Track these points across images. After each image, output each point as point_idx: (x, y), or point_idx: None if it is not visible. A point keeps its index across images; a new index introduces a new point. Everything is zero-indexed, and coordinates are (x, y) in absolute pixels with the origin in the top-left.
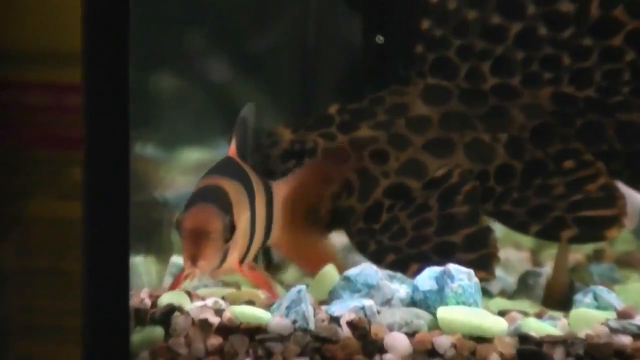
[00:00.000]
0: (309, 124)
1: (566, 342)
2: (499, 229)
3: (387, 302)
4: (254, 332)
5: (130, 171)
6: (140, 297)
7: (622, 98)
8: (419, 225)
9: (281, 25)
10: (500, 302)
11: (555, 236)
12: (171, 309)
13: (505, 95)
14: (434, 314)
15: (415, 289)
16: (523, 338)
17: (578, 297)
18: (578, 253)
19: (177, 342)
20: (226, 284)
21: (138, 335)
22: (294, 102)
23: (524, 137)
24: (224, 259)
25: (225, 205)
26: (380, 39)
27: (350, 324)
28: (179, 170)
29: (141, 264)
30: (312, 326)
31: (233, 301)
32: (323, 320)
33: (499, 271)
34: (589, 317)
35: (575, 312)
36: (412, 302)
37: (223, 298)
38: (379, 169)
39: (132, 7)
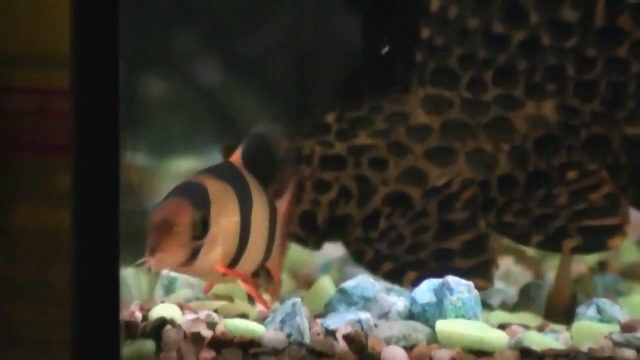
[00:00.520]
0: (305, 132)
1: (568, 356)
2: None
3: (385, 315)
4: (248, 346)
5: (120, 179)
6: (130, 310)
7: (627, 112)
8: (417, 232)
9: (277, 30)
10: (501, 315)
11: (557, 246)
12: (162, 322)
13: (507, 105)
14: (432, 327)
15: (413, 301)
16: (524, 352)
17: (581, 309)
18: (581, 264)
19: (169, 356)
20: (219, 297)
21: (128, 349)
22: (290, 108)
23: (527, 147)
24: (193, 256)
25: (200, 202)
26: (385, 48)
27: (347, 337)
28: (170, 178)
29: (131, 276)
30: (307, 340)
31: (226, 314)
32: (318, 334)
33: (499, 283)
34: (592, 331)
35: (578, 325)
36: (410, 315)
37: (216, 311)
38: (378, 177)
39: (122, 10)
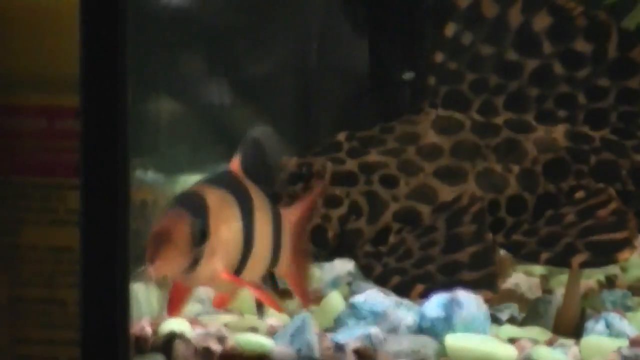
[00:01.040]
0: (316, 151)
1: None
2: None
3: (394, 330)
4: None
5: (128, 198)
6: (140, 325)
7: (637, 141)
8: (426, 245)
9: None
10: (510, 330)
11: (566, 262)
12: (172, 337)
13: (518, 128)
14: (441, 342)
15: (422, 316)
16: None
17: (590, 324)
18: (590, 279)
19: None
20: (228, 311)
21: None
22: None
23: (537, 170)
24: (194, 264)
25: (197, 210)
26: (408, 74)
27: (357, 352)
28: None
29: (141, 292)
30: (317, 354)
31: (236, 329)
32: (328, 349)
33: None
34: (601, 346)
35: (586, 340)
36: (420, 330)
37: (226, 325)
38: (388, 193)
39: (130, 31)
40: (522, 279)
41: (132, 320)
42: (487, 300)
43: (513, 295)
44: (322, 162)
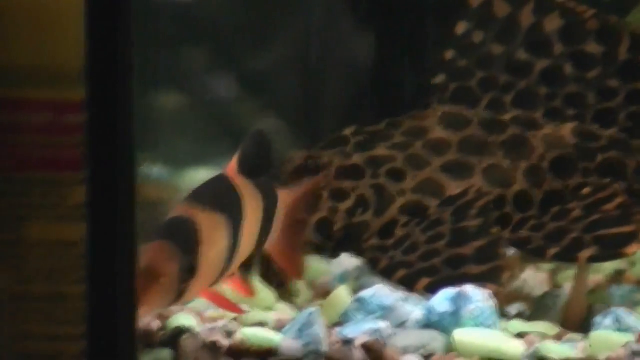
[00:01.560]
0: (323, 145)
1: None
2: None
3: (402, 325)
4: (265, 355)
5: (135, 192)
6: (148, 319)
7: None
8: (432, 239)
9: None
10: (518, 325)
11: (573, 257)
12: (180, 331)
13: (525, 125)
14: (450, 337)
15: (430, 310)
16: None
17: (598, 319)
18: (598, 274)
19: None
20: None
21: (146, 359)
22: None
23: (544, 167)
24: (179, 296)
25: (189, 244)
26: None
27: (365, 346)
28: (184, 190)
29: None
30: (324, 349)
31: (244, 323)
32: (336, 343)
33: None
34: (609, 340)
35: (595, 334)
36: (428, 324)
37: (234, 320)
38: (395, 187)
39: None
40: (530, 275)
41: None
42: (494, 295)
43: (521, 292)
44: (328, 156)
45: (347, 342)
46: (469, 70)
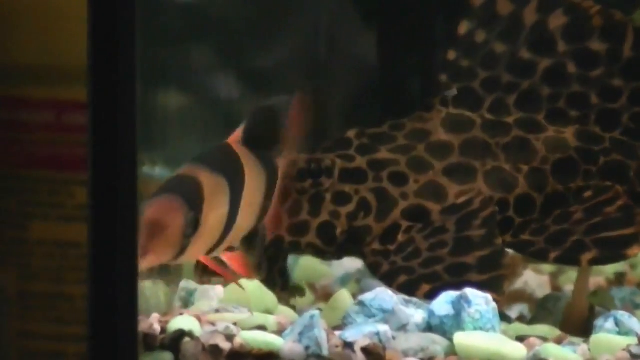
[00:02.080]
0: (325, 147)
1: None
2: None
3: (403, 328)
4: (266, 358)
5: (137, 192)
6: (149, 322)
7: None
8: (434, 246)
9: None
10: (519, 327)
11: (575, 260)
12: (181, 335)
13: (528, 127)
14: (450, 340)
15: (431, 314)
16: None
17: (599, 322)
18: (599, 277)
19: None
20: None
21: None
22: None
23: (546, 170)
24: (181, 252)
25: (194, 200)
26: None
27: (365, 350)
28: None
29: (150, 288)
30: (325, 352)
31: (244, 326)
32: (337, 346)
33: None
34: (610, 343)
35: (595, 337)
36: (428, 328)
37: (234, 323)
38: (397, 191)
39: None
40: (532, 277)
41: (141, 317)
42: (495, 300)
43: (522, 294)
44: (331, 159)
45: (348, 346)
46: (472, 70)
